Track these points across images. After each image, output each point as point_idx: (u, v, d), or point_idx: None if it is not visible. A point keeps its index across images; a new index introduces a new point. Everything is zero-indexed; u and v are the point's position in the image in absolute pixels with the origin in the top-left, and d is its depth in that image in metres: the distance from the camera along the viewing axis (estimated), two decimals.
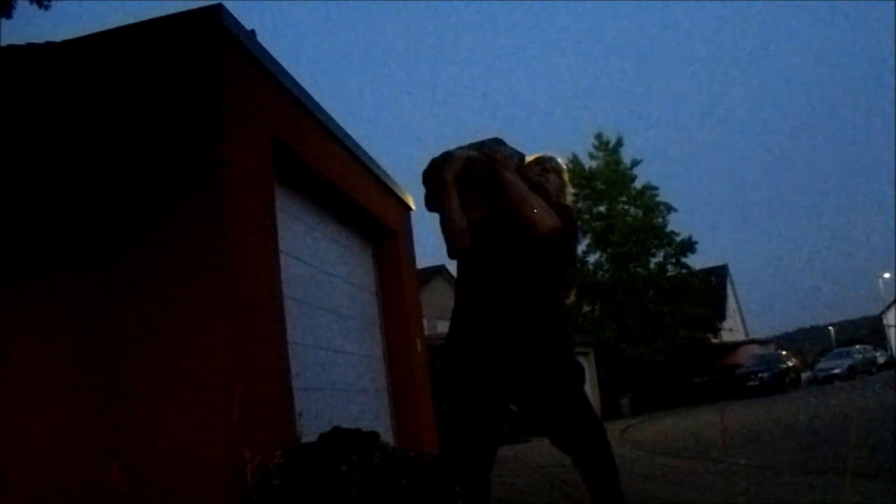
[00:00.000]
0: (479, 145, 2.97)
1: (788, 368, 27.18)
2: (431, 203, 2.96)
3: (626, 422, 17.77)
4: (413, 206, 7.07)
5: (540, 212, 2.68)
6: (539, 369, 2.63)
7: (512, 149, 2.99)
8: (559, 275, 2.88)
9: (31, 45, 4.16)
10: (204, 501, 3.29)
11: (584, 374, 2.82)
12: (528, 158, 3.02)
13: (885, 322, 46.76)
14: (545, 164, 3.02)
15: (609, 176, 27.76)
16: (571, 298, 27.39)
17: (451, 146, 3.00)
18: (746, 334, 39.75)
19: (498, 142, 3.00)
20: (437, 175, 2.87)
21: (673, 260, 28.46)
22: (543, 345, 2.64)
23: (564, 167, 3.11)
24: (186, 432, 3.45)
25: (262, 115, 4.27)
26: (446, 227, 2.85)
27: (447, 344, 2.81)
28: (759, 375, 25.27)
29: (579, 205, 26.71)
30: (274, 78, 4.44)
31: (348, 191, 5.57)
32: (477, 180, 2.85)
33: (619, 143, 28.53)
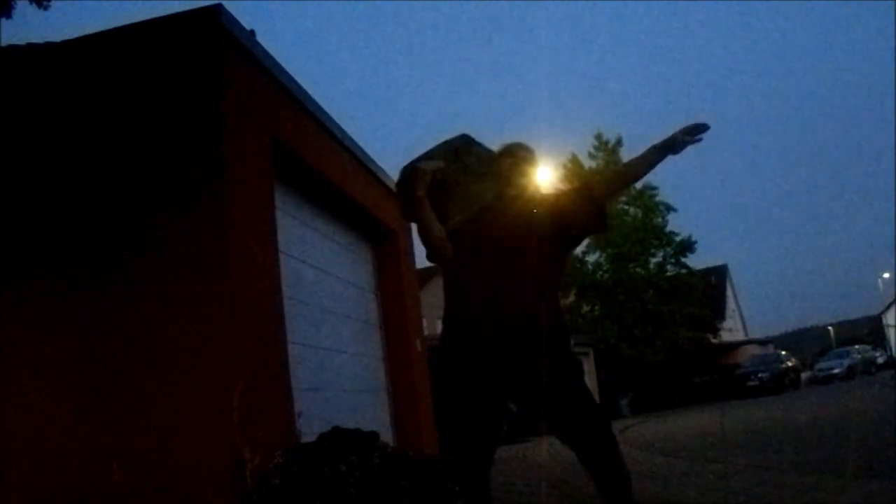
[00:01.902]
0: (448, 144, 2.96)
1: (788, 368, 27.19)
2: (407, 214, 2.96)
3: (626, 422, 17.76)
4: None
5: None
6: (537, 368, 2.63)
7: (481, 146, 2.97)
8: (559, 264, 2.89)
9: (31, 45, 4.16)
10: (204, 501, 3.29)
11: (583, 369, 2.82)
12: (498, 150, 2.97)
13: (884, 322, 46.79)
14: (516, 156, 2.91)
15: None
16: (571, 298, 27.40)
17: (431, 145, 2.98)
18: (746, 334, 39.76)
19: (467, 140, 2.98)
20: (409, 190, 2.86)
21: (672, 260, 28.47)
22: (540, 343, 2.64)
23: (535, 154, 2.98)
24: (186, 432, 3.45)
25: (262, 115, 4.27)
26: (425, 239, 2.87)
27: (442, 346, 2.81)
28: (759, 375, 25.27)
29: None
30: (274, 78, 4.44)
31: (348, 191, 5.57)
32: (447, 189, 2.85)
33: (619, 142, 28.54)
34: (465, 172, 2.88)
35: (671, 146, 2.69)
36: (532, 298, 2.68)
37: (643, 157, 2.77)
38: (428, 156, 2.92)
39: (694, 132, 2.68)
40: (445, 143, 2.98)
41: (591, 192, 2.85)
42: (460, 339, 2.73)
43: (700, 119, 2.69)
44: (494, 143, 3.01)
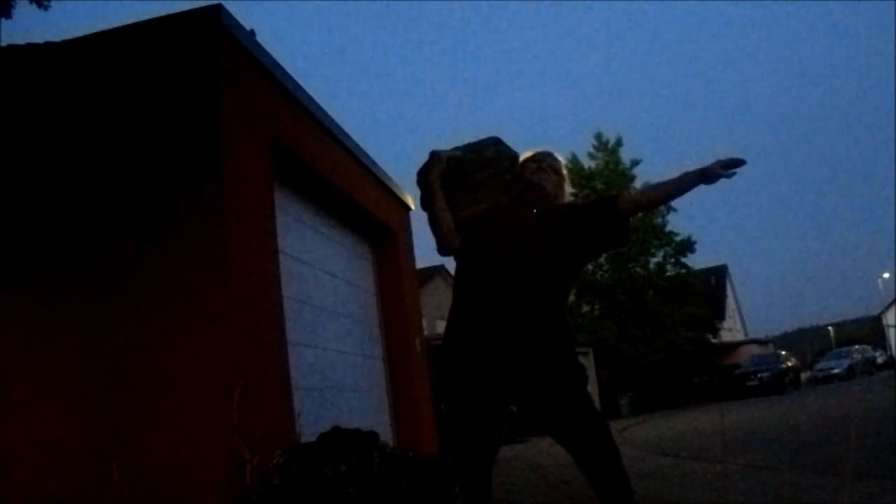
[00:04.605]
0: (477, 144, 2.97)
1: (787, 368, 27.19)
2: (423, 203, 2.97)
3: (626, 421, 17.75)
4: (412, 206, 7.06)
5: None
6: (540, 372, 2.62)
7: (508, 148, 2.98)
8: (573, 268, 2.88)
9: (31, 45, 4.15)
10: (204, 501, 3.29)
11: (586, 376, 2.81)
12: (525, 156, 2.99)
13: (884, 322, 46.75)
14: (541, 162, 2.93)
15: (609, 176, 27.72)
16: (571, 298, 27.37)
17: (449, 145, 3.00)
18: (746, 334, 39.81)
19: (496, 141, 2.99)
20: (424, 176, 2.87)
21: (672, 260, 28.46)
22: (544, 348, 2.64)
23: (562, 164, 3.02)
24: (186, 433, 3.44)
25: (262, 115, 4.27)
26: (434, 228, 2.88)
27: (445, 344, 2.81)
28: (759, 375, 25.28)
29: None
30: (274, 78, 4.44)
31: (348, 191, 5.57)
32: (461, 180, 2.86)
33: (619, 142, 28.52)
34: (480, 164, 2.90)
35: (706, 176, 2.64)
36: (538, 303, 2.67)
37: (677, 181, 2.72)
38: (453, 149, 2.94)
39: (730, 166, 2.63)
40: (476, 141, 3.00)
41: (617, 207, 2.80)
42: (464, 338, 2.73)
43: (738, 155, 2.63)
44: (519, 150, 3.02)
